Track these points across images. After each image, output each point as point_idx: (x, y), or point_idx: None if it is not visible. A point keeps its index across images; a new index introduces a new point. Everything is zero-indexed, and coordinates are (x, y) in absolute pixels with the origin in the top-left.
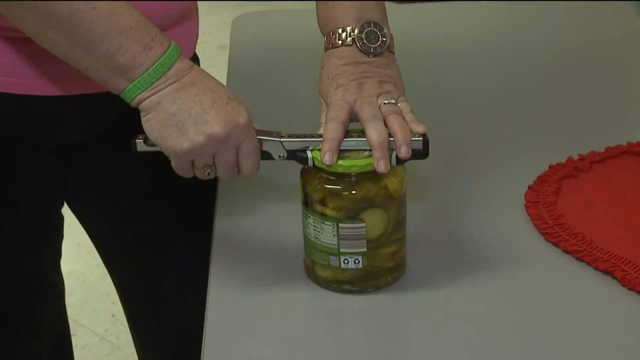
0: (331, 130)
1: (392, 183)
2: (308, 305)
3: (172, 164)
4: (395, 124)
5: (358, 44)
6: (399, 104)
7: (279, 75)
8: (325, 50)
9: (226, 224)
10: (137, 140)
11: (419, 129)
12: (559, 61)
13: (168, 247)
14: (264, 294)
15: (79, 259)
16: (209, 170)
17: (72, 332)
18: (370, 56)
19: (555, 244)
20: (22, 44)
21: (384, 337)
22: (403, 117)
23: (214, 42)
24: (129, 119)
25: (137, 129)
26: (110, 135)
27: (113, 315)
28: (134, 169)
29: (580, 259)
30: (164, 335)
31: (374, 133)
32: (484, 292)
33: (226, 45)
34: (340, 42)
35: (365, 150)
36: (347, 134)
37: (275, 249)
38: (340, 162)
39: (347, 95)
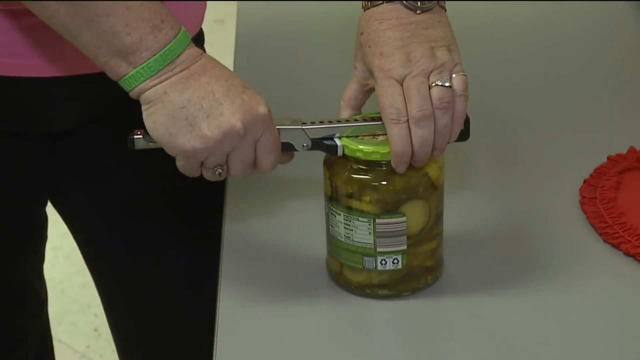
0: (398, 138)
1: (433, 170)
2: (335, 315)
3: (179, 164)
4: (440, 125)
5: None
6: (453, 77)
7: (291, 53)
8: (364, 10)
9: (236, 227)
10: (135, 137)
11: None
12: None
13: (165, 254)
14: (282, 304)
15: (56, 264)
16: (220, 171)
17: None
18: (418, 12)
19: (616, 246)
20: (11, 19)
21: (423, 350)
22: (453, 109)
23: (208, 15)
24: (126, 105)
25: (137, 119)
26: (105, 123)
27: (95, 330)
28: (131, 165)
29: None
30: (153, 351)
31: (399, 142)
32: (533, 299)
33: (223, 18)
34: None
35: None
36: (368, 119)
37: (292, 252)
38: (375, 148)
39: (394, 71)
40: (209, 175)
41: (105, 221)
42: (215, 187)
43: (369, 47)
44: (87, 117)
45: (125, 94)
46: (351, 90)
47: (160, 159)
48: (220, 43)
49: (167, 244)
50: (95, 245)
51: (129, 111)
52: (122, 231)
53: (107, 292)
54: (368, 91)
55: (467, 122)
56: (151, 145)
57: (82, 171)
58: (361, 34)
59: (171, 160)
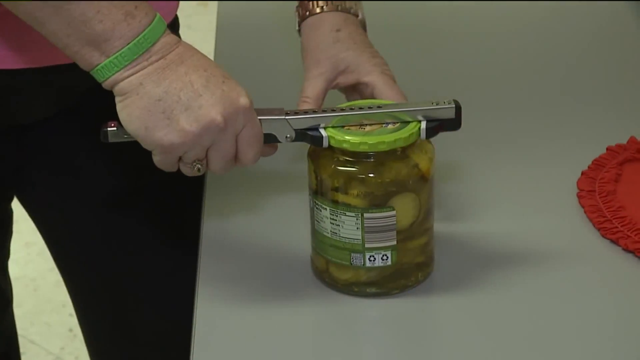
0: None
1: (423, 161)
2: (321, 315)
3: (155, 159)
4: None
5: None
6: None
7: (275, 39)
8: (303, 20)
9: (215, 222)
10: (108, 130)
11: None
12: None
13: (138, 252)
14: (263, 304)
15: (29, 261)
16: (199, 166)
17: (20, 350)
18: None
19: (614, 241)
20: None
21: (414, 350)
22: None
23: None
24: (97, 96)
25: (109, 111)
26: (75, 116)
27: (71, 330)
28: (102, 159)
29: None
30: (128, 353)
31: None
32: (528, 296)
33: (207, 1)
34: (318, 9)
35: (387, 123)
36: (355, 108)
37: (275, 249)
38: (363, 139)
39: (385, 67)
40: (187, 171)
41: (75, 218)
42: (193, 181)
43: (354, 43)
44: (54, 109)
45: (95, 85)
46: (318, 88)
47: (133, 153)
48: (204, 26)
49: (141, 241)
50: (64, 242)
51: (100, 103)
52: (94, 228)
53: (77, 291)
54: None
55: (458, 110)
56: (126, 138)
57: (51, 166)
58: (338, 30)
59: (146, 154)
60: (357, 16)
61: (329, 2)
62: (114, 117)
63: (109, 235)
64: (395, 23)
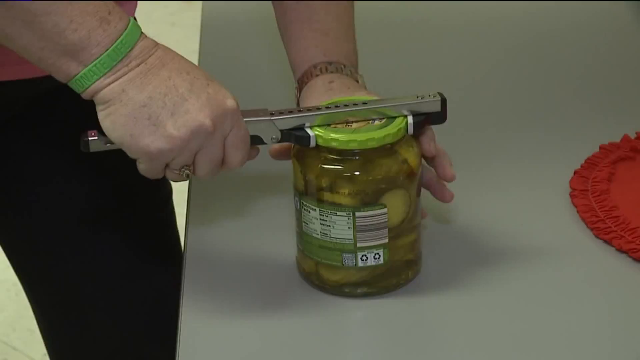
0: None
1: (411, 156)
2: (310, 318)
3: (141, 167)
4: None
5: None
6: None
7: (260, 36)
8: (302, 89)
9: (199, 226)
10: (89, 139)
11: None
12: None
13: (104, 264)
14: (250, 309)
15: (9, 265)
16: (187, 172)
17: (2, 357)
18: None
19: (608, 242)
20: None
21: (408, 350)
22: None
23: None
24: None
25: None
26: (31, 124)
27: None
28: (64, 168)
29: (638, 260)
30: None
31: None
32: (518, 296)
33: (191, 1)
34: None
35: (374, 119)
36: (340, 105)
37: (259, 252)
38: (352, 136)
39: None
40: (174, 177)
41: (36, 230)
42: (163, 183)
43: (348, 88)
44: (4, 116)
45: (44, 94)
46: None
47: (103, 164)
48: (188, 24)
49: (108, 251)
50: (25, 257)
51: (56, 111)
52: (56, 241)
53: (37, 300)
54: None
55: (443, 103)
56: (107, 147)
57: (8, 176)
58: (331, 82)
59: (118, 158)
60: (357, 81)
61: (326, 69)
62: (72, 125)
63: (71, 247)
64: (392, 21)
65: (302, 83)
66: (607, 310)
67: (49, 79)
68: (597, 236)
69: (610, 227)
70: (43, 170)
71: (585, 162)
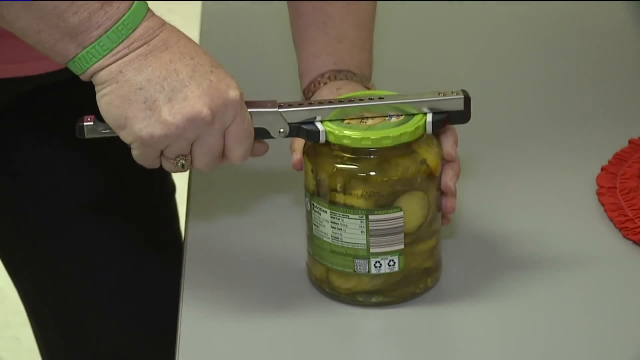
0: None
1: (431, 156)
2: (321, 328)
3: (134, 153)
4: None
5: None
6: None
7: (266, 24)
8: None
9: (201, 226)
10: (85, 124)
11: None
12: None
13: (100, 263)
14: (256, 318)
15: None
16: (183, 162)
17: None
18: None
19: (637, 243)
20: None
21: None
22: None
23: None
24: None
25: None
26: (26, 113)
27: None
28: (59, 159)
29: None
30: None
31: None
32: (544, 302)
33: None
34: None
35: (390, 115)
36: (355, 99)
37: (267, 256)
38: (365, 134)
39: None
40: (169, 167)
41: (29, 225)
42: (164, 179)
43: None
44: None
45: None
46: None
47: (101, 154)
48: (187, 10)
49: (105, 250)
50: (16, 252)
51: (48, 101)
52: (52, 236)
53: (29, 300)
54: None
55: (467, 101)
56: (103, 133)
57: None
58: (338, 89)
59: (118, 155)
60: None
61: (335, 77)
62: (64, 117)
63: (66, 243)
64: (407, 18)
65: (308, 92)
66: (637, 314)
67: (48, 76)
68: (625, 237)
69: (639, 227)
70: (38, 161)
71: (614, 157)
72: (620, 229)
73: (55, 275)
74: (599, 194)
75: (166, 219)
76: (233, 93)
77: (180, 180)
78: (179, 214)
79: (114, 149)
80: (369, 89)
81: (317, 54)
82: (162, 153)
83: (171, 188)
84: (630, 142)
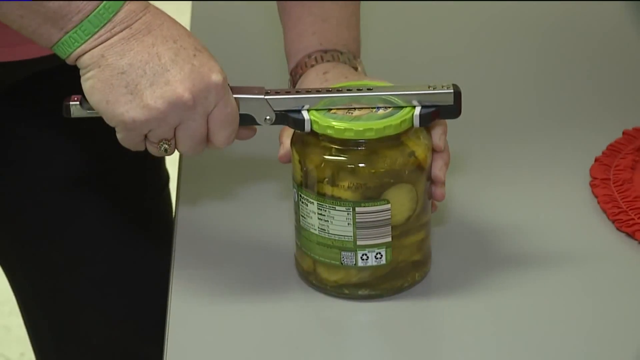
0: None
1: (420, 149)
2: (307, 320)
3: (119, 136)
4: None
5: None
6: None
7: (256, 10)
8: (295, 82)
9: (190, 216)
10: (71, 104)
11: None
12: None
13: (90, 244)
14: (243, 309)
15: None
16: (166, 146)
17: None
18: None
19: (630, 235)
20: None
21: (411, 358)
22: None
23: None
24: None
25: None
26: (19, 96)
27: None
28: (47, 136)
29: None
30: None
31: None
32: (535, 295)
33: None
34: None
35: (378, 107)
36: (343, 89)
37: (255, 247)
38: (349, 125)
39: None
40: (154, 150)
41: (17, 205)
42: (157, 169)
43: (345, 77)
44: None
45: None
46: None
47: (90, 134)
48: None
49: (96, 241)
50: (6, 234)
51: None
52: (42, 215)
53: (19, 287)
54: None
55: (457, 95)
56: (89, 113)
57: None
58: (325, 73)
59: (104, 133)
60: (356, 68)
61: (322, 58)
62: (56, 100)
63: (57, 222)
64: (405, 13)
65: (295, 75)
66: (630, 308)
67: (43, 61)
68: (619, 229)
69: (633, 219)
70: (33, 147)
71: (607, 148)
72: (613, 221)
73: (46, 265)
74: (592, 185)
75: (159, 209)
76: (215, 77)
77: (171, 167)
78: (172, 206)
79: (107, 139)
80: (356, 68)
81: (303, 33)
82: (146, 137)
83: (165, 178)
84: (624, 133)
